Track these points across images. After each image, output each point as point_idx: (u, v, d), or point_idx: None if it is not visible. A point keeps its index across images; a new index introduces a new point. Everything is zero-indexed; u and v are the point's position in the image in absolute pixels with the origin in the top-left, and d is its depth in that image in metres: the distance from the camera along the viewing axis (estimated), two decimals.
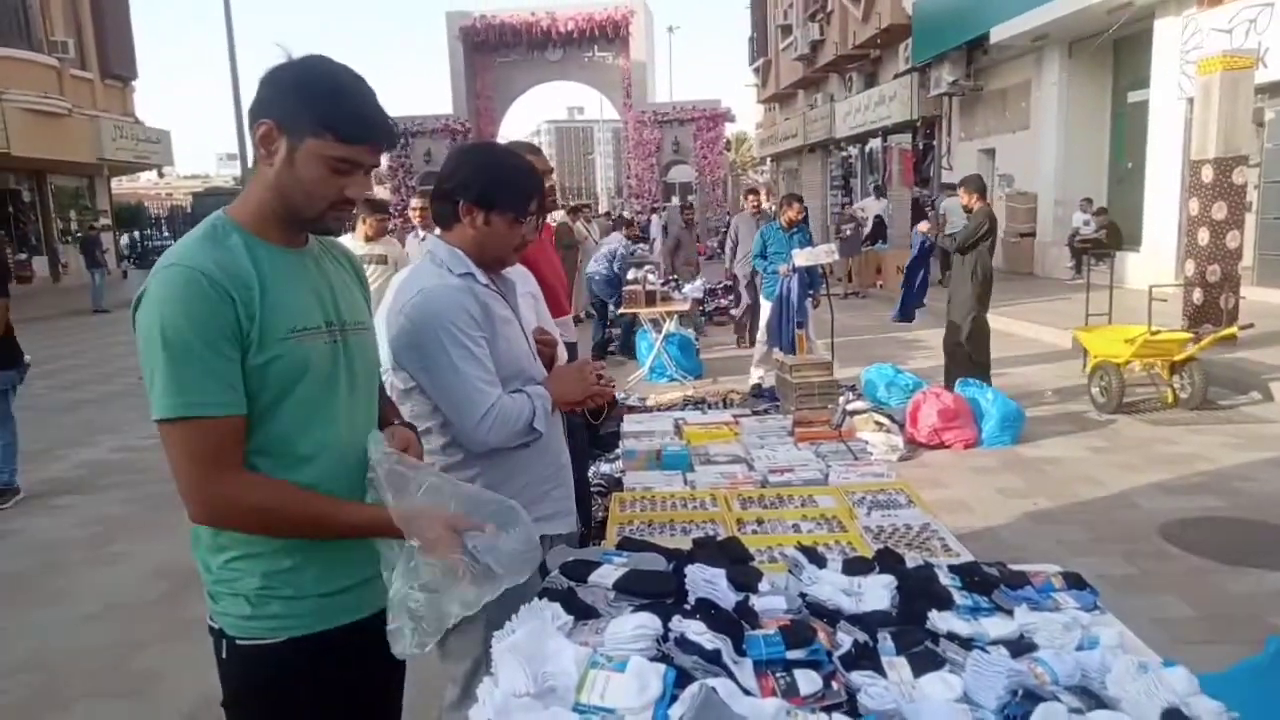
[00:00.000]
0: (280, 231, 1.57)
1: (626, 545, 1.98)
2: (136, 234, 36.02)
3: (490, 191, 2.09)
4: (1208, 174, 8.84)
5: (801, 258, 7.83)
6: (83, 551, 5.17)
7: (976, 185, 7.41)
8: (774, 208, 10.27)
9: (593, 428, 4.26)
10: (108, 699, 3.57)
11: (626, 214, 20.53)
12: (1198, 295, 8.91)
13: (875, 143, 24.39)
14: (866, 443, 3.68)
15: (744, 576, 1.73)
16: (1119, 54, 14.64)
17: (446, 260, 2.10)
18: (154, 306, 1.42)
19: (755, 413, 4.24)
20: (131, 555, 5.01)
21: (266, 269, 1.51)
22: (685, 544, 2.04)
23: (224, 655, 1.60)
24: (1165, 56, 12.47)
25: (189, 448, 1.43)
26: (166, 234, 37.24)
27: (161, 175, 38.65)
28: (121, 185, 39.70)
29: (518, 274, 2.74)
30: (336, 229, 1.65)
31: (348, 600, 1.63)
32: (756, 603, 1.65)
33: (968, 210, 7.45)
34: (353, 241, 6.06)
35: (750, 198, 11.08)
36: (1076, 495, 5.35)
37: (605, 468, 4.94)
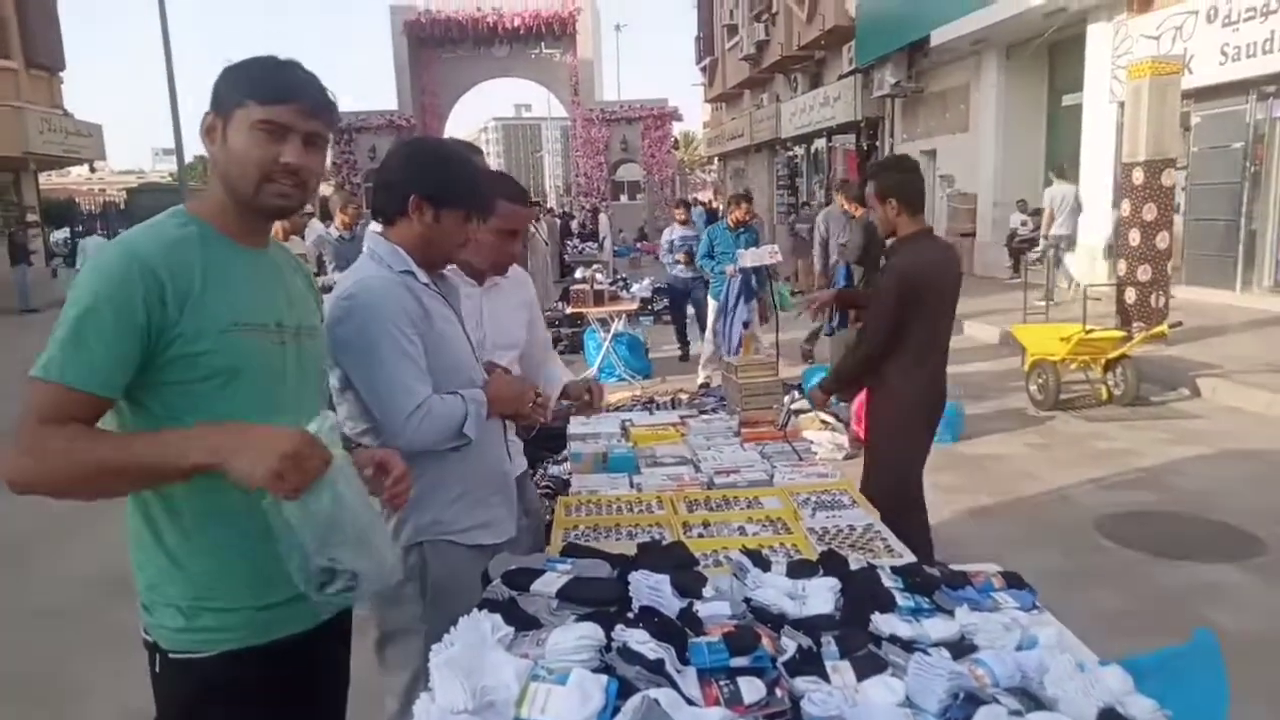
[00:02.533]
0: (238, 227, 1.58)
1: (571, 551, 1.95)
2: (68, 231, 34.72)
3: (444, 187, 2.03)
4: (1138, 176, 9.10)
5: (748, 258, 7.86)
6: (7, 558, 4.97)
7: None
8: (721, 207, 10.19)
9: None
10: (33, 709, 3.43)
11: (573, 211, 20.13)
12: (1130, 294, 9.18)
13: (820, 143, 24.66)
14: (811, 442, 3.70)
15: (688, 582, 1.72)
16: (1054, 58, 15.00)
17: (387, 257, 2.04)
18: (87, 274, 1.45)
19: (702, 412, 4.24)
20: (60, 561, 4.83)
21: (215, 260, 1.52)
22: (631, 548, 2.02)
23: (157, 669, 1.57)
24: (1097, 61, 12.82)
25: (51, 412, 1.41)
26: (101, 231, 35.99)
27: (94, 170, 37.23)
28: (51, 180, 38.31)
29: (517, 279, 2.68)
30: (281, 205, 1.57)
31: (284, 614, 1.58)
32: (701, 609, 1.64)
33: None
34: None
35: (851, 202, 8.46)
36: (1015, 491, 5.46)
37: (553, 470, 4.90)
